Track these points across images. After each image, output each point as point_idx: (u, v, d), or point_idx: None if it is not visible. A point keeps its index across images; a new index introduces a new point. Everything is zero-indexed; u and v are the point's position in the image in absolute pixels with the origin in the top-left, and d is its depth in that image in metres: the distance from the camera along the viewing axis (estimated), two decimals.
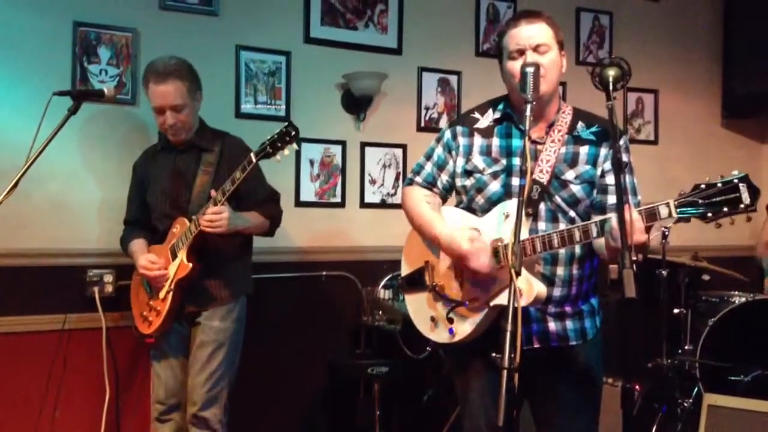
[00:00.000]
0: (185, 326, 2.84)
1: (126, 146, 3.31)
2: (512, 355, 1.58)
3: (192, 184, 2.80)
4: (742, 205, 1.70)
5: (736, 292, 3.67)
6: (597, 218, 1.90)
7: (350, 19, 3.88)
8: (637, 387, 3.10)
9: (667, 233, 3.59)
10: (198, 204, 2.72)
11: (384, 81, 3.83)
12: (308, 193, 3.78)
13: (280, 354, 3.62)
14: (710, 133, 4.94)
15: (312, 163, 3.78)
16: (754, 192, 1.69)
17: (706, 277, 4.00)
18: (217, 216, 2.56)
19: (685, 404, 3.42)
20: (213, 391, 2.77)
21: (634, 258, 1.63)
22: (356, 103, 3.85)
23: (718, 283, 3.97)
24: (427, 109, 4.07)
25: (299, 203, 3.74)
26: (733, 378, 3.23)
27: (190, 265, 2.67)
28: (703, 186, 1.74)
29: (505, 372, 1.56)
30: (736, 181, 1.70)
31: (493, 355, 1.62)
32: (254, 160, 2.51)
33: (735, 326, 3.36)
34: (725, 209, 1.71)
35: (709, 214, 1.72)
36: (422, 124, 4.05)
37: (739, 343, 3.33)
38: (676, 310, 3.77)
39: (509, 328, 1.60)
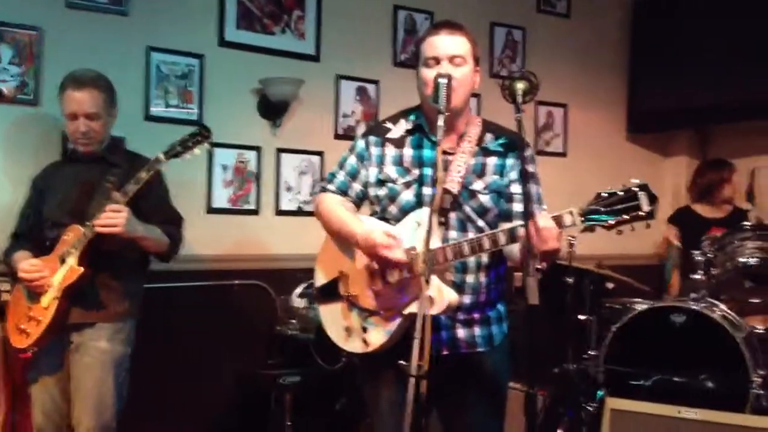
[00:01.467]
0: (67, 344, 2.60)
1: (27, 148, 3.15)
2: (420, 363, 1.59)
3: (93, 195, 2.61)
4: (641, 213, 1.77)
5: (638, 300, 3.80)
6: (505, 226, 1.94)
7: (267, 24, 3.83)
8: (542, 392, 3.16)
9: (573, 242, 3.70)
10: (97, 216, 2.52)
11: (301, 87, 3.80)
12: (221, 199, 3.70)
13: (188, 366, 3.51)
14: (616, 146, 5.15)
15: (225, 168, 3.71)
16: (653, 200, 1.76)
17: (610, 285, 4.14)
18: (114, 214, 2.42)
19: (590, 408, 3.52)
20: (101, 420, 2.56)
21: (539, 266, 1.68)
22: (272, 109, 3.80)
23: (621, 290, 4.13)
24: (345, 116, 4.07)
25: (211, 210, 3.66)
26: (634, 383, 3.34)
27: (81, 269, 2.50)
28: (604, 194, 1.80)
29: (412, 380, 1.56)
30: (635, 189, 1.78)
31: (401, 363, 1.62)
32: (162, 159, 2.42)
33: (637, 332, 3.48)
34: (626, 216, 1.78)
35: (611, 222, 1.79)
36: (340, 132, 4.05)
37: (641, 348, 3.44)
38: (581, 317, 3.88)
39: (417, 335, 1.61)
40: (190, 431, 3.52)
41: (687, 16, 4.81)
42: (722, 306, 3.52)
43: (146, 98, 3.51)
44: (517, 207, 2.09)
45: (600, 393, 3.45)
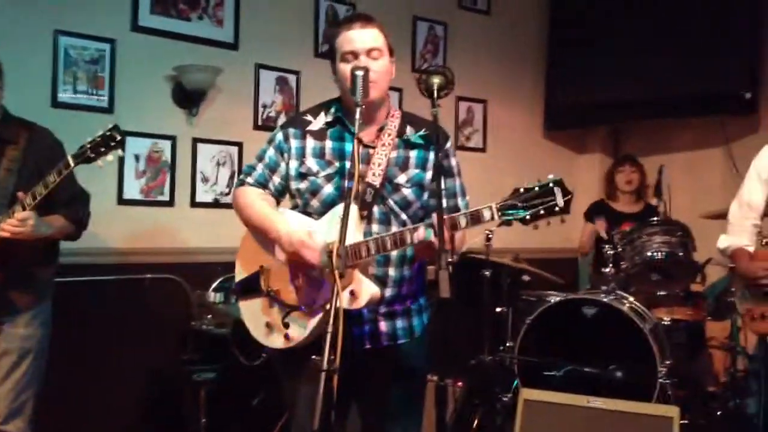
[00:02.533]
0: None
1: None
2: (332, 357, 1.57)
3: None
4: (557, 207, 1.81)
5: (553, 292, 3.91)
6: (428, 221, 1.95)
7: (183, 10, 3.71)
8: (458, 384, 3.21)
9: (491, 236, 3.76)
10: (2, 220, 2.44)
11: (219, 76, 3.71)
12: (132, 190, 3.57)
13: (98, 362, 3.38)
14: (534, 142, 5.26)
15: (138, 158, 3.57)
16: (567, 194, 1.81)
17: (526, 278, 4.23)
18: (22, 223, 2.36)
19: (505, 399, 3.60)
20: (17, 401, 2.54)
21: (451, 259, 1.69)
22: (188, 98, 3.69)
23: (537, 283, 4.23)
24: (265, 107, 4.00)
25: (122, 201, 3.53)
26: (547, 373, 3.42)
27: None
28: (521, 189, 1.84)
29: (322, 374, 1.54)
30: (551, 185, 1.82)
31: (313, 357, 1.60)
32: (72, 164, 2.33)
33: (550, 324, 3.57)
34: (542, 211, 1.81)
35: (528, 217, 1.82)
36: (259, 123, 3.97)
37: (555, 339, 3.54)
38: (498, 309, 3.96)
39: (329, 329, 1.60)
40: (101, 428, 3.40)
41: (601, 16, 4.96)
42: (631, 298, 3.66)
43: (53, 84, 3.35)
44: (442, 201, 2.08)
45: (515, 383, 3.53)
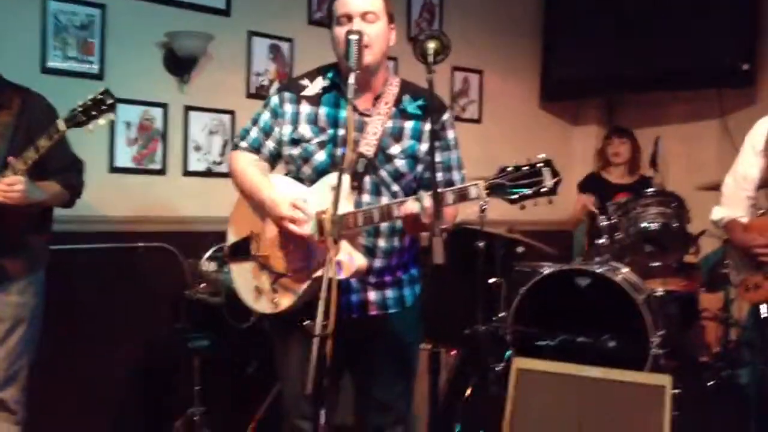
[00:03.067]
0: None
1: None
2: (324, 323, 1.56)
3: None
4: (544, 189, 1.77)
5: (547, 263, 3.91)
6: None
7: None
8: (452, 353, 3.22)
9: (485, 207, 3.75)
10: None
11: (210, 42, 3.65)
12: (124, 158, 3.52)
13: (91, 331, 3.36)
14: (529, 114, 5.22)
15: (129, 125, 3.52)
16: (555, 175, 1.77)
17: (520, 249, 4.24)
18: (10, 188, 2.32)
19: (498, 369, 3.61)
20: (11, 369, 2.54)
21: (444, 226, 1.68)
22: (180, 65, 3.63)
23: (531, 255, 4.23)
24: (258, 75, 3.94)
25: (114, 169, 3.48)
26: (541, 343, 3.44)
27: None
28: (510, 169, 1.79)
29: (316, 339, 1.54)
30: (540, 165, 1.77)
31: (306, 322, 1.60)
32: (63, 128, 2.29)
33: (544, 294, 3.58)
34: (529, 192, 1.77)
35: (514, 197, 1.79)
36: (252, 91, 3.92)
37: (548, 310, 3.55)
38: (492, 280, 3.96)
39: (323, 296, 1.59)
40: (95, 396, 3.40)
41: None
42: (625, 269, 3.66)
43: (43, 50, 3.28)
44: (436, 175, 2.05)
45: (508, 353, 3.55)
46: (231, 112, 3.84)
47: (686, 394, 3.70)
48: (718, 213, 2.90)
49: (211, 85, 3.78)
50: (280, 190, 2.05)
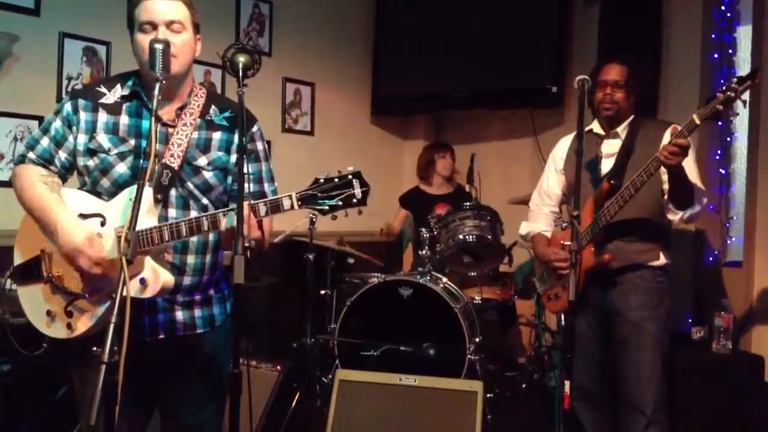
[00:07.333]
0: None
1: None
2: (115, 348, 1.48)
3: None
4: (354, 200, 1.80)
5: (375, 274, 3.99)
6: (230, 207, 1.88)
7: None
8: (278, 367, 3.19)
9: (314, 219, 3.77)
10: None
11: (15, 43, 3.38)
12: None
13: None
14: (361, 127, 5.33)
15: None
16: (364, 187, 1.81)
17: (351, 260, 4.30)
18: None
19: (325, 381, 3.63)
20: None
21: (248, 245, 1.65)
22: None
23: (361, 266, 4.29)
24: (70, 79, 3.71)
25: None
26: (365, 353, 3.50)
27: None
28: (321, 180, 1.81)
29: (102, 366, 1.45)
30: (350, 177, 1.81)
31: (94, 349, 1.50)
32: None
33: (370, 305, 3.64)
34: (339, 203, 1.80)
35: (327, 207, 1.80)
36: (63, 95, 3.68)
37: (374, 320, 3.62)
38: (322, 292, 3.99)
39: (114, 320, 1.50)
40: None
41: (421, 9, 5.14)
42: (445, 279, 3.82)
43: None
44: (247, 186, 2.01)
45: (336, 365, 3.57)
46: (39, 118, 3.57)
47: (501, 397, 3.93)
48: (525, 228, 3.09)
49: (17, 89, 3.51)
50: (70, 218, 1.90)
